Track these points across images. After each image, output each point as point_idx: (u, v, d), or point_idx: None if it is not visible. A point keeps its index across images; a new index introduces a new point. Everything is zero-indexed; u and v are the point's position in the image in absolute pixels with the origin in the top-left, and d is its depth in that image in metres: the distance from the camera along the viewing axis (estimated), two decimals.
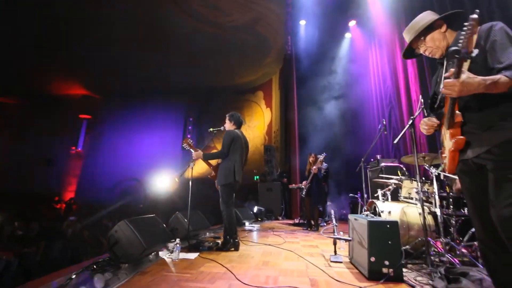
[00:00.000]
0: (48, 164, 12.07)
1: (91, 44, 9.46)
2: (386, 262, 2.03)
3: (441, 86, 1.48)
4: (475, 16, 1.08)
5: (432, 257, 2.37)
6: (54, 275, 2.14)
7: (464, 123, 1.32)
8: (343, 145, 7.53)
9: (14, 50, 9.08)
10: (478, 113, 1.28)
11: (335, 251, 2.72)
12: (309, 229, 5.03)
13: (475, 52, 1.16)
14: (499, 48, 1.21)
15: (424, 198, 2.66)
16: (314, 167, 4.98)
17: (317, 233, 4.57)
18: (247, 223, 5.80)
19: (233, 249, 3.09)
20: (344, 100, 7.77)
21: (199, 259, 2.69)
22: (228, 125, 3.50)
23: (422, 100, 2.57)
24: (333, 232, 2.85)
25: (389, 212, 2.83)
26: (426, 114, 1.90)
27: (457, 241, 2.63)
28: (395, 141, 2.54)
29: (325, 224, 5.68)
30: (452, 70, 1.20)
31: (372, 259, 2.05)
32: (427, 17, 1.50)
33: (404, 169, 3.56)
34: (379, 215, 2.88)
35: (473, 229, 2.49)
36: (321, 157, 4.98)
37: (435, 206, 2.62)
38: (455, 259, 2.28)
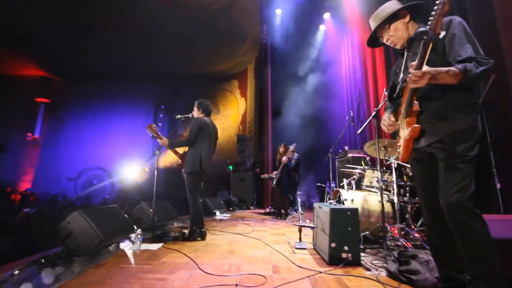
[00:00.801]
0: None
1: (48, 21, 8.54)
2: (346, 248, 2.11)
3: (401, 76, 1.53)
4: None
5: (388, 242, 2.51)
6: None
7: (421, 113, 1.37)
8: (315, 135, 7.71)
9: None
10: (434, 104, 1.33)
11: (300, 238, 2.78)
12: (279, 217, 5.12)
13: (443, 33, 1.19)
14: (458, 42, 1.26)
15: (383, 187, 2.80)
16: (284, 157, 5.04)
17: (286, 222, 4.67)
18: (218, 213, 5.76)
19: (199, 238, 3.03)
20: (317, 91, 7.91)
21: (163, 250, 2.60)
22: (196, 113, 3.38)
23: (386, 93, 2.65)
24: (299, 220, 2.90)
25: (352, 200, 2.95)
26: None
27: (412, 227, 2.82)
28: (358, 132, 2.62)
29: (294, 212, 5.82)
30: (414, 63, 1.22)
31: (333, 244, 2.12)
32: (392, 5, 1.52)
33: (368, 159, 3.72)
34: (343, 203, 2.98)
35: None
36: (291, 147, 5.04)
37: (393, 195, 2.77)
38: (408, 243, 2.44)
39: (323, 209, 2.40)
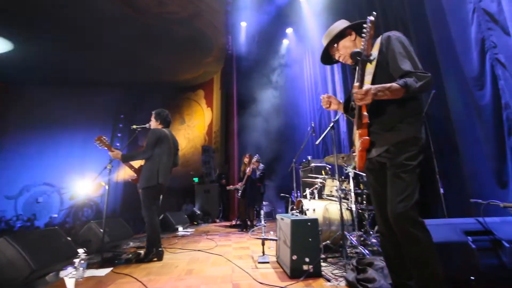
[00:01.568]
0: None
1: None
2: (307, 259, 2.09)
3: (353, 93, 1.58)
4: (371, 18, 1.14)
5: (348, 250, 2.56)
6: None
7: (371, 124, 1.42)
8: (281, 146, 7.83)
9: None
10: (382, 116, 1.39)
11: (263, 252, 2.71)
12: (244, 230, 5.00)
13: (374, 54, 1.25)
14: (398, 58, 1.33)
15: (342, 195, 2.87)
16: (248, 168, 4.99)
17: (251, 233, 4.57)
18: (180, 228, 5.45)
19: (155, 259, 2.79)
20: (282, 103, 8.10)
21: (111, 275, 2.33)
22: (154, 124, 3.19)
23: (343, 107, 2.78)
24: (262, 232, 2.84)
25: (314, 210, 2.98)
26: (345, 118, 2.02)
27: (370, 233, 2.92)
28: (317, 142, 2.68)
29: (260, 224, 5.75)
30: (357, 84, 1.29)
31: (294, 257, 2.08)
32: (340, 25, 1.59)
33: (328, 168, 3.84)
34: (305, 213, 3.00)
35: None
36: (255, 158, 5.02)
37: (352, 203, 2.85)
38: (365, 250, 2.51)
39: (285, 221, 2.37)
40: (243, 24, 8.32)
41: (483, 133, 2.54)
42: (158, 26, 8.63)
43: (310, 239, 2.13)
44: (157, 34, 8.94)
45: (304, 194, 3.72)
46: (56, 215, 10.45)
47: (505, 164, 2.32)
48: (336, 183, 2.66)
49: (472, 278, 1.57)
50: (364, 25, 1.18)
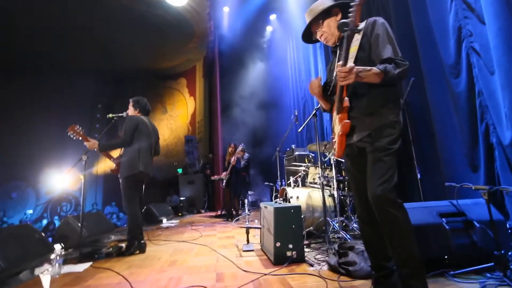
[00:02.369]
0: None
1: None
2: (290, 246, 2.11)
3: (334, 74, 1.56)
4: None
5: (330, 235, 2.62)
6: None
7: (351, 109, 1.41)
8: (265, 135, 7.81)
9: None
10: (363, 100, 1.38)
11: (247, 240, 2.72)
12: (229, 220, 5.01)
13: (361, 25, 1.23)
14: (381, 43, 1.34)
15: (325, 183, 2.92)
16: (233, 158, 4.95)
17: (236, 223, 4.58)
18: (164, 220, 5.38)
19: (137, 252, 2.73)
20: (265, 91, 8.03)
21: (90, 270, 2.26)
22: (132, 112, 3.05)
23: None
24: (246, 221, 2.84)
25: (297, 197, 3.00)
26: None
27: (351, 219, 3.00)
28: (299, 130, 2.68)
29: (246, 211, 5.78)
30: (340, 63, 1.27)
31: (278, 244, 2.10)
32: (325, 2, 1.54)
33: (311, 156, 3.87)
34: (289, 201, 3.02)
35: None
36: (240, 147, 4.98)
37: (334, 189, 2.90)
38: (347, 235, 2.58)
39: (268, 209, 2.38)
40: (226, 9, 8.06)
41: (458, 119, 2.63)
42: (136, 8, 8.18)
43: (293, 226, 2.15)
44: (134, 17, 8.47)
45: (288, 182, 3.75)
46: (31, 211, 9.98)
47: (477, 148, 2.43)
48: (319, 170, 2.68)
49: (445, 257, 1.65)
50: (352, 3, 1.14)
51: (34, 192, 10.39)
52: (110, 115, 3.06)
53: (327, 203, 2.90)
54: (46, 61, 10.13)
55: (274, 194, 4.30)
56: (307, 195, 3.06)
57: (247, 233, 2.73)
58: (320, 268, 1.94)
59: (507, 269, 1.50)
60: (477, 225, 1.71)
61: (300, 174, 3.67)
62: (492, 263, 1.55)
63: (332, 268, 1.89)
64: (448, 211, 1.81)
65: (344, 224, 2.87)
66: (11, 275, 2.04)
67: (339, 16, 1.53)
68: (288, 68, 7.42)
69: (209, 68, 9.72)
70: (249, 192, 6.38)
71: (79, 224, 2.94)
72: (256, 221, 3.06)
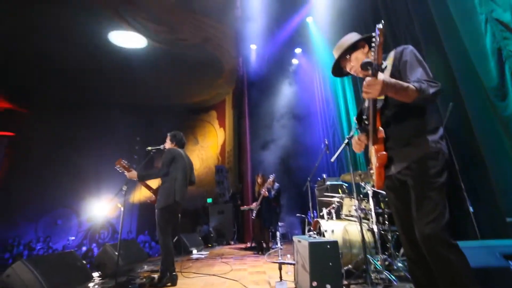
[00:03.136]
0: None
1: (15, 52, 8.32)
2: (328, 286, 1.95)
3: (366, 103, 1.54)
4: (379, 26, 1.13)
5: (372, 275, 2.39)
6: None
7: (387, 139, 1.36)
8: (294, 164, 7.71)
9: None
10: (397, 129, 1.33)
11: (280, 277, 2.57)
12: (260, 253, 4.83)
13: (385, 64, 1.22)
14: (409, 67, 1.32)
15: (362, 215, 2.73)
16: (264, 189, 4.90)
17: (267, 256, 4.39)
18: (194, 251, 5.34)
19: (169, 284, 2.71)
20: (293, 121, 8.10)
21: None
22: (169, 145, 3.25)
23: (356, 122, 2.73)
24: (279, 255, 2.72)
25: (332, 231, 2.83)
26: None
27: (395, 256, 2.72)
28: (332, 159, 2.61)
29: (276, 246, 5.54)
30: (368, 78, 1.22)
31: (314, 283, 1.96)
32: (352, 37, 1.59)
33: (345, 187, 3.70)
34: (323, 235, 2.86)
35: None
36: (270, 178, 4.94)
37: (373, 223, 2.70)
38: (392, 276, 2.33)
39: (302, 243, 2.26)
40: (253, 46, 8.61)
41: (510, 145, 2.39)
42: (172, 51, 9.09)
43: (330, 263, 2.01)
44: (170, 58, 9.39)
45: (321, 214, 3.57)
46: (73, 238, 10.58)
47: None
48: (355, 202, 2.54)
49: None
50: (373, 34, 1.15)
51: (77, 220, 11.11)
52: (149, 148, 3.28)
53: (366, 239, 2.68)
54: (89, 99, 11.43)
55: (307, 227, 4.11)
56: (343, 229, 2.88)
57: (280, 269, 2.59)
58: None
59: None
60: None
61: (333, 205, 3.49)
62: None
63: None
64: None
65: (387, 263, 2.60)
66: None
67: (366, 48, 1.56)
68: (316, 98, 7.51)
69: (238, 100, 10.17)
70: (279, 223, 6.17)
71: (116, 253, 3.05)
72: (288, 255, 2.91)
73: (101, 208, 10.15)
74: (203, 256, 4.98)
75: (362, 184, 2.93)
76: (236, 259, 4.42)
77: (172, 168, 2.99)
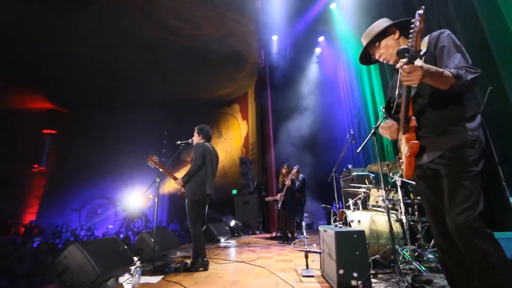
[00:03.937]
0: (4, 183, 10.97)
1: (56, 55, 9.02)
2: (355, 274, 1.98)
3: (396, 91, 1.50)
4: (420, 11, 1.08)
5: (401, 265, 2.37)
6: None
7: (419, 128, 1.33)
8: (318, 155, 7.64)
9: None
10: (431, 118, 1.30)
11: (306, 265, 2.64)
12: (285, 242, 4.92)
13: (423, 50, 1.19)
14: (446, 53, 1.27)
15: (390, 206, 2.69)
16: (288, 180, 4.95)
17: (293, 246, 4.47)
18: (222, 240, 5.57)
19: (201, 269, 2.90)
20: (317, 111, 7.98)
21: (162, 283, 2.48)
22: (197, 139, 3.38)
23: (384, 110, 2.65)
24: (305, 244, 2.77)
25: (359, 221, 2.82)
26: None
27: (425, 247, 2.66)
28: (358, 150, 2.58)
29: (302, 236, 5.60)
30: (406, 66, 1.15)
31: (341, 271, 1.99)
32: (381, 23, 1.54)
33: (372, 177, 3.62)
34: (349, 225, 2.86)
35: None
36: (294, 169, 4.97)
37: (401, 214, 2.65)
38: (422, 266, 2.29)
39: (328, 233, 2.30)
40: (275, 37, 8.53)
41: None
42: (194, 47, 9.31)
43: (357, 252, 2.02)
44: (194, 55, 9.63)
45: (347, 204, 3.56)
46: (111, 226, 11.49)
47: None
48: (382, 192, 2.50)
49: None
50: (413, 20, 1.10)
51: (114, 210, 12.03)
52: (178, 142, 3.45)
53: (394, 229, 2.65)
54: (120, 98, 12.09)
55: (333, 217, 4.11)
56: (369, 219, 2.86)
57: (306, 257, 2.65)
58: None
59: None
60: None
61: (360, 196, 3.46)
62: None
63: None
64: None
65: (416, 253, 2.56)
66: (103, 281, 2.39)
67: (397, 34, 1.50)
68: (340, 86, 7.30)
69: (260, 93, 10.21)
70: (304, 214, 6.20)
71: (152, 240, 3.31)
72: (314, 245, 2.96)
73: (135, 199, 10.86)
74: (230, 244, 5.19)
75: (390, 174, 2.87)
76: (262, 247, 4.56)
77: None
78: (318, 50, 8.36)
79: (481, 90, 2.64)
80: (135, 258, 3.37)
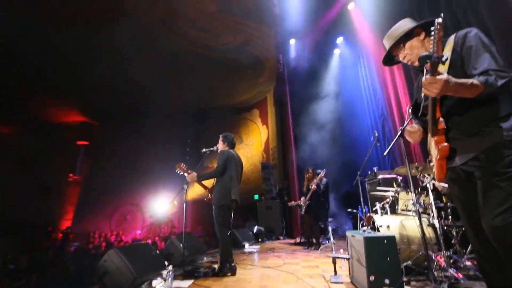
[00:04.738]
0: (44, 192, 11.90)
1: (86, 71, 9.71)
2: (387, 281, 1.94)
3: (422, 94, 1.48)
4: (439, 20, 1.09)
5: (435, 272, 2.27)
6: None
7: (449, 130, 1.31)
8: (341, 158, 7.49)
9: (10, 78, 9.27)
10: (461, 120, 1.27)
11: (335, 271, 2.61)
12: (309, 248, 4.87)
13: (445, 56, 1.18)
14: (474, 54, 1.23)
15: (421, 210, 2.60)
16: (313, 184, 4.91)
17: (318, 253, 4.41)
18: (246, 245, 5.62)
19: (229, 273, 2.96)
20: (338, 114, 7.85)
21: (193, 287, 2.57)
22: (222, 146, 3.50)
23: (410, 111, 2.58)
24: (332, 250, 2.75)
25: (388, 226, 2.75)
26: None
27: (461, 253, 2.53)
28: (385, 154, 2.52)
29: (327, 241, 5.50)
30: (428, 76, 1.19)
31: (372, 278, 1.96)
32: (405, 24, 1.52)
33: (399, 180, 3.51)
34: (378, 230, 2.79)
35: None
36: (321, 173, 4.91)
37: (434, 218, 2.54)
38: (459, 274, 2.18)
39: (356, 238, 2.27)
40: (292, 41, 8.56)
41: None
42: (213, 56, 9.59)
43: (388, 258, 1.98)
44: (213, 62, 9.91)
45: (374, 209, 3.47)
46: (140, 232, 11.98)
47: None
48: (412, 196, 2.43)
49: None
50: (432, 28, 1.11)
51: (142, 216, 12.55)
52: (204, 150, 3.58)
53: (427, 234, 2.55)
54: (145, 108, 12.66)
55: (361, 222, 4.01)
56: (399, 224, 2.77)
57: (334, 263, 2.62)
58: None
59: None
60: None
61: (387, 200, 3.36)
62: None
63: None
64: None
65: (452, 260, 2.44)
66: (138, 284, 2.53)
67: (422, 35, 1.47)
68: (361, 88, 7.15)
69: (279, 97, 10.24)
70: (328, 219, 6.10)
71: (181, 245, 3.43)
72: (341, 250, 2.91)
73: (161, 205, 11.26)
74: (254, 250, 5.22)
75: (420, 177, 2.77)
76: (287, 253, 4.54)
77: (227, 168, 3.23)
78: (337, 52, 8.27)
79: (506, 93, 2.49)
80: (166, 263, 3.52)
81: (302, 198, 5.18)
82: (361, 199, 4.10)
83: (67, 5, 7.27)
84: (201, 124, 13.37)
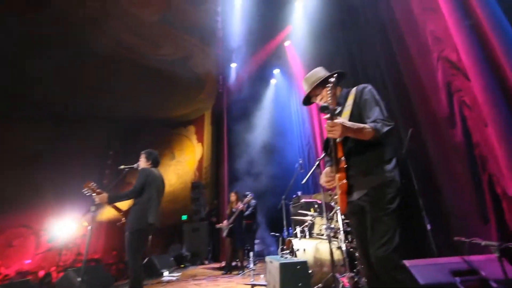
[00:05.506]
0: None
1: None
2: None
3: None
4: (332, 79, 1.41)
5: None
6: None
7: (349, 168, 1.49)
8: (271, 182, 7.79)
9: None
10: (359, 160, 1.48)
11: None
12: (230, 272, 4.73)
13: (338, 109, 1.42)
14: (368, 106, 1.50)
15: (332, 234, 2.84)
16: (240, 204, 4.90)
17: (241, 277, 4.32)
18: (166, 273, 5.11)
19: None
20: (271, 139, 8.29)
21: None
22: (144, 163, 3.17)
23: (323, 150, 2.89)
24: (251, 276, 2.72)
25: (304, 250, 2.90)
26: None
27: (363, 273, 2.83)
28: (303, 182, 2.73)
29: (252, 265, 5.46)
30: (329, 121, 1.41)
31: None
32: (319, 72, 1.75)
33: (317, 205, 3.81)
34: (295, 254, 2.91)
35: None
36: (248, 196, 4.96)
37: (341, 241, 2.81)
38: None
39: (273, 264, 2.31)
40: (233, 65, 8.86)
41: (461, 169, 2.66)
42: (150, 66, 9.07)
43: (300, 284, 2.06)
44: (150, 73, 9.33)
45: (294, 232, 3.64)
46: (29, 261, 9.62)
47: (484, 200, 2.40)
48: (325, 221, 2.65)
49: None
50: (327, 85, 1.43)
51: (35, 240, 10.17)
52: (122, 167, 3.19)
53: (336, 257, 2.78)
54: (60, 110, 10.84)
55: (281, 246, 4.14)
56: (314, 247, 2.96)
57: None
58: None
59: None
60: (494, 284, 1.62)
61: (306, 223, 3.59)
62: None
63: None
64: (461, 269, 1.73)
65: (355, 280, 2.70)
66: None
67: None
68: (292, 117, 7.79)
69: (217, 116, 10.25)
70: (255, 240, 6.12)
71: (78, 279, 2.87)
72: (261, 276, 2.91)
73: (64, 227, 9.39)
74: (174, 278, 4.78)
75: (333, 204, 3.06)
76: (209, 280, 4.30)
77: (146, 189, 2.91)
78: (273, 81, 8.91)
79: (404, 130, 3.09)
80: None
81: (225, 221, 5.09)
82: (284, 221, 4.27)
83: None
84: (128, 136, 12.10)
